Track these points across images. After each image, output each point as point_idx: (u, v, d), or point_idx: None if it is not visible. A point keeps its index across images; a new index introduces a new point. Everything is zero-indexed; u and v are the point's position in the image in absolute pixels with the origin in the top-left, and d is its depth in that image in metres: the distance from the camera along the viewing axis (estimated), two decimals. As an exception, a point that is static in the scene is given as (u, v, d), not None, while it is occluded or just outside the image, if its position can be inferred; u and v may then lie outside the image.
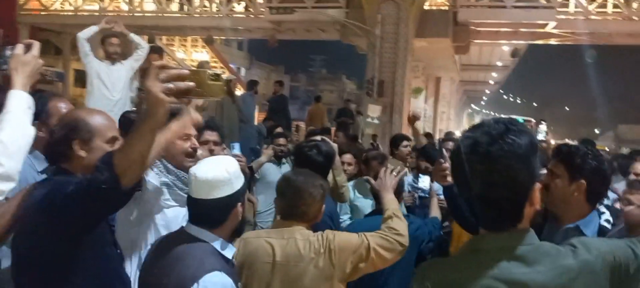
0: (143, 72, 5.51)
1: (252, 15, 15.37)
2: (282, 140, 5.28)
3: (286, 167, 4.97)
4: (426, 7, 13.70)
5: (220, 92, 1.56)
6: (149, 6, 16.58)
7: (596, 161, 2.06)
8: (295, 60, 62.38)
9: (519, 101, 79.99)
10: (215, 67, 25.75)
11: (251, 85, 10.46)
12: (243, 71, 34.89)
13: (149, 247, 2.34)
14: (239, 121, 8.86)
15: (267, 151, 4.98)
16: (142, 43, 5.68)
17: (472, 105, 59.31)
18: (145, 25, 15.76)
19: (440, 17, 13.56)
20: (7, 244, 1.92)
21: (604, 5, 13.60)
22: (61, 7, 16.98)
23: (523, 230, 1.22)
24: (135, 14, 16.03)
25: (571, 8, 13.48)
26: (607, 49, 15.95)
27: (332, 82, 58.61)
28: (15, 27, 15.95)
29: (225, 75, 22.94)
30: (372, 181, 2.73)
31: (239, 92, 13.60)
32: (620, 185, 3.36)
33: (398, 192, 2.73)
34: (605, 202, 2.78)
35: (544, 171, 4.76)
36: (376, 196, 2.66)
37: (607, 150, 20.55)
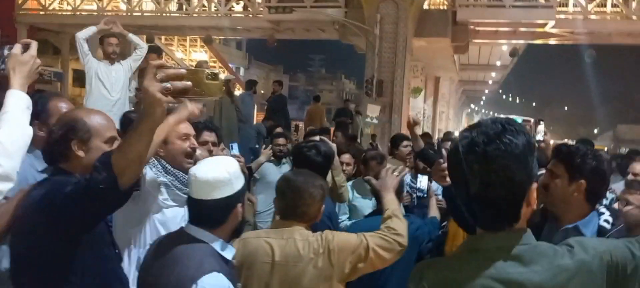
0: (142, 72, 5.51)
1: (250, 15, 15.39)
2: (281, 140, 5.29)
3: (286, 167, 4.98)
4: (425, 6, 13.72)
5: (218, 92, 1.56)
6: (148, 6, 16.58)
7: (596, 161, 2.05)
8: (294, 60, 62.43)
9: (517, 101, 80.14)
10: (213, 67, 25.75)
11: (250, 85, 10.46)
12: (242, 71, 34.90)
13: (147, 246, 2.35)
14: (237, 121, 8.85)
15: (266, 151, 4.98)
16: (141, 43, 5.68)
17: (471, 105, 59.39)
18: (144, 25, 15.77)
19: (439, 17, 13.57)
20: (6, 243, 1.92)
21: (603, 5, 13.62)
22: (60, 7, 16.98)
23: (520, 230, 1.22)
24: (134, 14, 16.03)
25: (570, 8, 13.50)
26: (606, 48, 15.98)
27: (331, 82, 58.67)
28: (13, 26, 15.94)
29: (224, 75, 22.95)
30: (374, 181, 2.72)
31: (238, 92, 13.59)
32: (618, 185, 3.36)
33: (399, 192, 2.73)
34: (604, 202, 2.78)
35: (543, 171, 4.74)
36: (377, 196, 2.66)
37: (606, 149, 20.58)
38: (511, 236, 1.21)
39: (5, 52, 1.84)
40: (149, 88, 1.40)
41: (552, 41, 14.92)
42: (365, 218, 3.00)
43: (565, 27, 13.38)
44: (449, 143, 4.53)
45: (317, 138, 3.90)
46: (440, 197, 3.23)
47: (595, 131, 61.34)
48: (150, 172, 2.38)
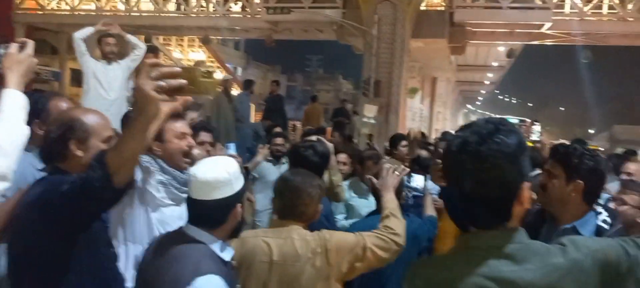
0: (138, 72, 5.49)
1: (248, 15, 15.37)
2: (280, 140, 5.31)
3: (285, 167, 4.99)
4: (423, 7, 13.73)
5: (213, 89, 1.56)
6: (146, 6, 16.54)
7: (593, 161, 2.06)
8: (292, 60, 62.31)
9: (514, 101, 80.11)
10: (211, 67, 25.72)
11: (247, 85, 10.46)
12: (240, 71, 34.84)
13: (143, 244, 2.36)
14: (235, 121, 8.86)
15: (262, 150, 4.99)
16: (139, 44, 5.68)
17: (468, 106, 59.38)
18: (142, 24, 15.73)
19: (436, 18, 13.59)
20: (5, 242, 1.93)
21: (599, 7, 13.67)
22: (58, 7, 16.93)
23: (512, 228, 1.24)
24: (132, 14, 15.99)
25: (567, 9, 13.54)
26: (602, 49, 16.00)
27: (328, 82, 58.50)
28: (11, 26, 15.88)
29: (222, 75, 22.92)
30: (374, 180, 2.73)
31: (236, 91, 13.59)
32: (613, 185, 3.38)
33: (399, 191, 2.74)
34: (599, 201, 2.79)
35: (538, 171, 4.75)
36: (377, 195, 2.67)
37: (602, 150, 20.62)
38: (504, 235, 1.23)
39: (1, 51, 1.85)
40: (142, 86, 1.41)
41: (548, 42, 14.96)
42: (366, 218, 3.01)
43: (562, 28, 13.42)
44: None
45: (314, 138, 3.91)
46: (435, 196, 3.25)
47: (591, 131, 61.44)
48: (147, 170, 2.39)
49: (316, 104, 13.18)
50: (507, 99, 76.55)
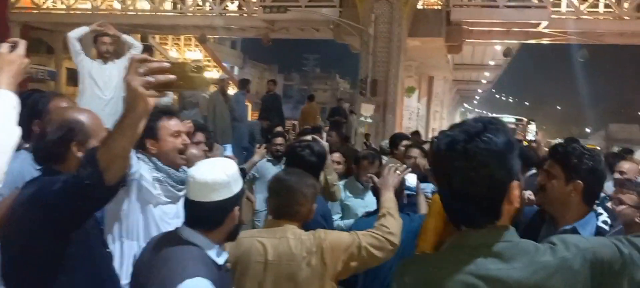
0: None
1: (245, 14, 15.37)
2: (279, 140, 5.30)
3: (285, 166, 4.99)
4: (419, 6, 13.76)
5: (202, 84, 1.54)
6: (142, 5, 16.51)
7: (592, 161, 2.04)
8: (289, 59, 62.36)
9: (511, 100, 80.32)
10: (208, 66, 25.71)
11: (243, 84, 10.43)
12: (236, 70, 34.83)
13: (140, 241, 2.36)
14: (231, 120, 8.85)
15: (259, 150, 4.98)
16: (135, 43, 5.65)
17: (465, 105, 59.51)
18: (138, 24, 15.72)
19: (433, 17, 13.62)
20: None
21: (595, 5, 13.71)
22: (53, 6, 16.89)
23: (502, 227, 1.24)
24: (129, 13, 15.97)
25: (563, 8, 13.58)
26: (598, 48, 16.08)
27: (325, 81, 58.62)
28: (6, 25, 15.82)
29: (219, 74, 22.89)
30: (375, 179, 2.73)
31: (233, 91, 13.58)
32: (607, 185, 3.37)
33: (400, 191, 2.74)
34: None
35: (534, 171, 4.74)
36: (377, 194, 2.67)
37: (599, 149, 20.69)
38: (493, 233, 1.22)
39: None
40: (131, 82, 1.39)
41: (545, 41, 15.00)
42: (367, 217, 3.01)
43: (558, 27, 13.46)
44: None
45: (310, 137, 3.91)
46: (429, 194, 3.25)
47: (588, 130, 61.69)
48: (144, 168, 2.39)
49: (313, 103, 13.17)
50: (504, 98, 76.78)
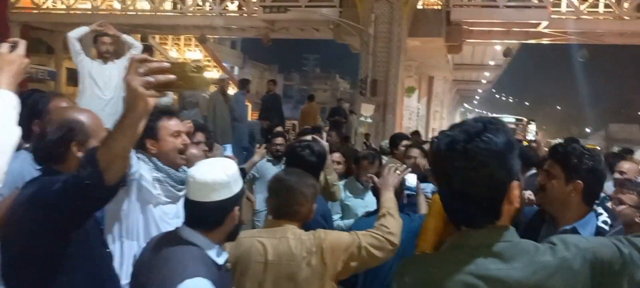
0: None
1: (245, 14, 15.37)
2: (280, 140, 5.30)
3: (285, 167, 4.99)
4: (419, 6, 13.76)
5: (202, 84, 1.54)
6: (142, 5, 16.51)
7: (592, 161, 2.03)
8: (289, 60, 62.39)
9: (511, 100, 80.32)
10: (208, 66, 25.72)
11: (243, 84, 10.43)
12: (236, 70, 34.83)
13: (140, 241, 2.36)
14: (232, 120, 8.85)
15: (259, 150, 4.98)
16: (135, 43, 5.65)
17: (465, 105, 59.52)
18: (138, 24, 15.72)
19: (433, 17, 13.62)
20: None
21: (595, 5, 13.72)
22: (53, 6, 16.88)
23: (502, 227, 1.24)
24: (129, 13, 15.96)
25: (563, 7, 13.59)
26: (598, 48, 16.09)
27: (325, 81, 58.64)
28: (6, 25, 15.82)
29: (219, 74, 22.88)
30: (375, 179, 2.73)
31: (233, 91, 13.59)
32: (607, 185, 3.37)
33: (399, 191, 2.74)
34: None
35: (534, 171, 4.73)
36: (378, 194, 2.67)
37: (599, 149, 20.70)
38: (493, 233, 1.22)
39: None
40: (131, 82, 1.39)
41: (545, 41, 15.00)
42: (367, 217, 3.01)
43: (558, 27, 13.47)
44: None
45: (309, 137, 3.90)
46: (429, 194, 3.25)
47: (588, 130, 61.70)
48: (144, 168, 2.39)
49: (313, 103, 13.16)
50: (504, 98, 76.78)
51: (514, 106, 74.02)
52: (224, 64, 28.79)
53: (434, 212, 1.55)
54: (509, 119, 24.44)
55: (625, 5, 13.17)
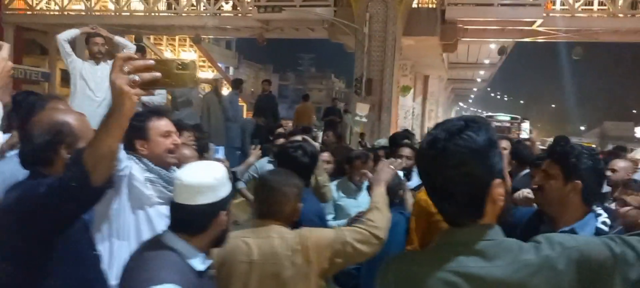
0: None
1: (239, 14, 15.35)
2: (281, 141, 5.29)
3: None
4: (414, 5, 13.76)
5: (189, 82, 1.49)
6: (137, 5, 16.44)
7: (592, 160, 1.98)
8: (284, 59, 62.39)
9: (506, 98, 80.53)
10: (203, 66, 25.66)
11: (236, 84, 10.39)
12: (231, 70, 34.77)
13: (131, 242, 2.33)
14: (225, 120, 8.82)
15: (255, 151, 4.95)
16: (128, 44, 5.63)
17: (460, 103, 59.67)
18: (132, 24, 15.66)
19: (428, 16, 13.62)
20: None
21: (589, 3, 13.76)
22: (47, 7, 16.79)
23: (485, 225, 1.23)
24: (123, 13, 15.90)
25: (557, 6, 13.63)
26: (592, 46, 16.14)
27: (320, 81, 58.66)
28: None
29: (213, 74, 22.84)
30: (369, 174, 2.73)
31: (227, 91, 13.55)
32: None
33: (393, 187, 2.72)
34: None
35: (528, 170, 4.72)
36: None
37: (594, 146, 20.76)
38: (476, 231, 1.22)
39: None
40: (115, 81, 1.38)
41: (539, 39, 15.04)
42: (359, 218, 3.01)
43: (553, 25, 13.50)
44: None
45: (300, 138, 3.88)
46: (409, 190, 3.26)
47: (582, 128, 61.93)
48: (136, 168, 2.37)
49: (308, 103, 13.15)
50: (499, 97, 76.98)
51: (509, 104, 74.33)
52: (219, 64, 28.73)
53: (415, 212, 1.55)
54: (504, 117, 24.50)
55: (619, 2, 13.21)
